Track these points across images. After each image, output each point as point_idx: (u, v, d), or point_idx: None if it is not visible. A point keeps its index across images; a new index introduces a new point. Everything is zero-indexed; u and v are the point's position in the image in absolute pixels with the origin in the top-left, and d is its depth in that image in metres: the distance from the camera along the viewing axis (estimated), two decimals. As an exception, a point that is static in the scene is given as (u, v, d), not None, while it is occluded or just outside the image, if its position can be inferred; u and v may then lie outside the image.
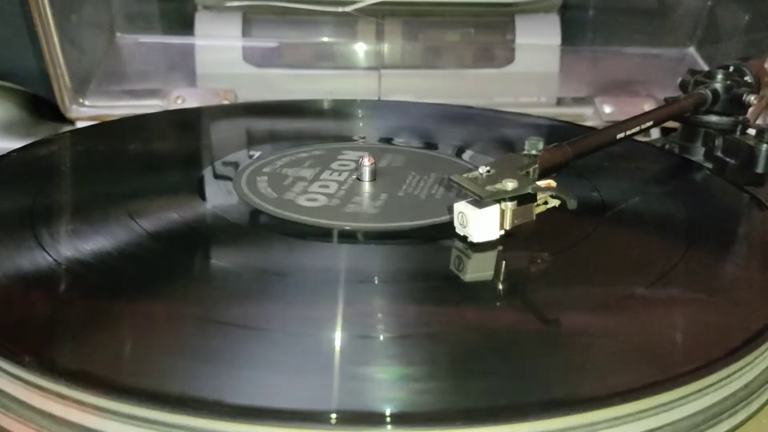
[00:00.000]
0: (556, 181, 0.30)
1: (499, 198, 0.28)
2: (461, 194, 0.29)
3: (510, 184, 0.28)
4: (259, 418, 0.20)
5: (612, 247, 0.31)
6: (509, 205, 0.28)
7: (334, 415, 0.20)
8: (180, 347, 0.23)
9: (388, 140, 0.46)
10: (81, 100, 0.56)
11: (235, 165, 0.39)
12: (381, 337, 0.24)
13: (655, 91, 0.64)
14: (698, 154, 0.47)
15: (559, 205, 0.30)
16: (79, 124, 0.57)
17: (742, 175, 0.44)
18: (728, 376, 0.23)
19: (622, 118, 0.59)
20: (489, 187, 0.28)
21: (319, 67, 0.68)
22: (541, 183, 0.30)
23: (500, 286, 0.28)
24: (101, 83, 0.59)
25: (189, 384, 0.21)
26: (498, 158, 0.31)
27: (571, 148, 0.34)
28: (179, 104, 0.56)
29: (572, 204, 0.28)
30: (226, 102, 0.57)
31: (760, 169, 0.43)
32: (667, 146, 0.48)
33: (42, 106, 0.67)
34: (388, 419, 0.20)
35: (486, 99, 0.62)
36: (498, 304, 0.27)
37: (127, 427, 0.21)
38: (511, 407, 0.21)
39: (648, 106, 0.60)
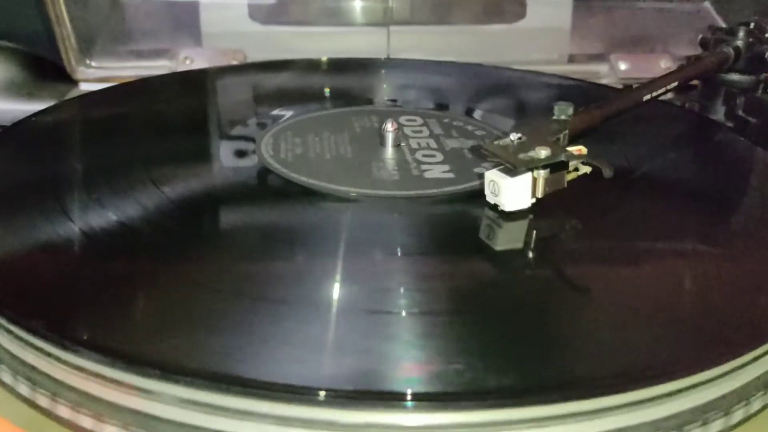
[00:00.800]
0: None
1: (532, 166, 0.28)
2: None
3: (543, 152, 0.28)
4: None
5: (644, 214, 0.31)
6: (542, 174, 0.28)
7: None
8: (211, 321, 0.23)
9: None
10: (88, 61, 0.55)
11: (261, 125, 0.38)
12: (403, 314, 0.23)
13: (671, 46, 0.62)
14: (719, 112, 0.46)
15: (590, 172, 0.29)
16: (84, 86, 0.56)
17: (764, 134, 0.43)
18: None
19: (637, 75, 0.59)
20: (522, 156, 0.28)
21: (326, 24, 0.66)
22: (572, 149, 0.29)
23: (530, 256, 0.28)
24: (107, 43, 0.57)
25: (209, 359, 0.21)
26: (527, 124, 0.30)
27: (598, 112, 0.33)
28: (187, 65, 0.55)
29: (608, 173, 0.27)
30: (235, 63, 0.55)
31: (783, 129, 0.43)
32: (686, 105, 0.47)
33: (44, 67, 0.66)
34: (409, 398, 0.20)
35: (497, 56, 0.61)
36: (528, 274, 0.27)
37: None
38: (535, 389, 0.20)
39: (664, 63, 0.59)
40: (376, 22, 0.66)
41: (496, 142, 0.29)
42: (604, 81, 0.59)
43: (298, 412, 0.20)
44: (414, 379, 0.20)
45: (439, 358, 0.21)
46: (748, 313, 0.24)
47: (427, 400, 0.20)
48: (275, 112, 0.41)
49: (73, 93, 0.57)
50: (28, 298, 0.24)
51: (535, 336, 0.23)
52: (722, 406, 0.22)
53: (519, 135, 0.29)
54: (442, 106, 0.44)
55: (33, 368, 0.23)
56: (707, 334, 0.23)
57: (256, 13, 0.63)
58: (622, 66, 0.59)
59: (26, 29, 0.61)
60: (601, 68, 0.60)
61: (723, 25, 0.63)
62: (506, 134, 0.29)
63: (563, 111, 0.31)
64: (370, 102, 0.45)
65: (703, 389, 0.22)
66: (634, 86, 0.39)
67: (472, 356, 0.21)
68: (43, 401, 0.23)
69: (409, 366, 0.21)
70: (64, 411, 0.22)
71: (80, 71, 0.55)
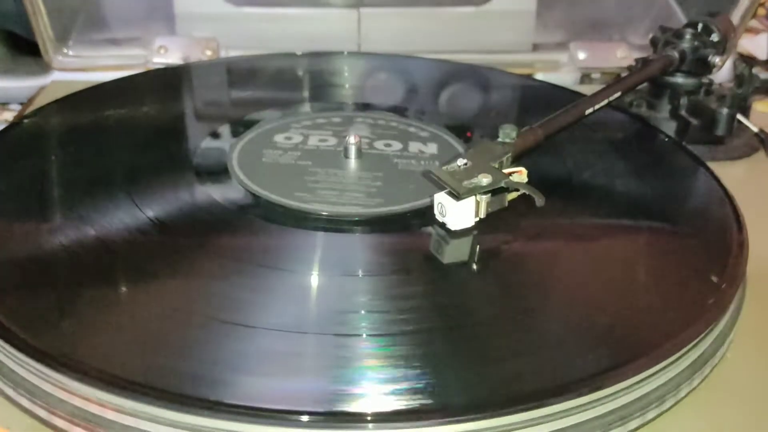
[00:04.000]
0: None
1: (474, 193, 0.31)
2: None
3: (485, 180, 0.31)
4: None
5: (580, 230, 0.34)
6: (484, 198, 0.31)
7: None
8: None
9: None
10: (65, 51, 0.57)
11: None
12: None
13: (628, 34, 0.65)
14: (664, 110, 0.49)
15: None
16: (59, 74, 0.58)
17: (704, 134, 0.47)
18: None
19: (595, 64, 0.62)
20: (466, 183, 0.31)
21: (298, 5, 0.68)
22: (514, 170, 0.33)
23: (474, 268, 0.31)
24: (83, 32, 0.59)
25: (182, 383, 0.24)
26: (474, 148, 0.34)
27: (542, 130, 0.36)
28: (162, 54, 0.57)
29: (540, 202, 0.31)
30: (209, 52, 0.57)
31: (720, 132, 0.46)
32: (634, 102, 0.50)
33: (18, 42, 0.67)
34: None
35: (464, 40, 0.64)
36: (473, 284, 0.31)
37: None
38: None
39: (620, 52, 0.62)
40: (348, 4, 0.67)
41: (444, 168, 0.32)
42: (564, 70, 0.62)
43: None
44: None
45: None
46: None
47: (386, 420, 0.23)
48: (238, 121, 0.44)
49: (50, 74, 0.59)
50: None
51: (479, 350, 0.26)
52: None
53: (465, 161, 0.32)
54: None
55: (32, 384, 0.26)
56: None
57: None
58: (581, 55, 0.62)
59: (1, 8, 0.62)
60: (561, 57, 0.62)
61: (679, 12, 0.66)
62: (454, 159, 0.32)
63: (507, 134, 0.34)
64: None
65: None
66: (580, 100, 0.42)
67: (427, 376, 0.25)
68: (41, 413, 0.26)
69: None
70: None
71: (57, 60, 0.57)
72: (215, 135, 0.42)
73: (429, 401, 0.24)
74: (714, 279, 0.30)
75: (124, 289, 0.29)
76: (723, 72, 0.58)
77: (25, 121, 0.42)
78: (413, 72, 0.54)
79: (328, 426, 0.24)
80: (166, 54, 0.57)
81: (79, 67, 0.56)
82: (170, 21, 0.63)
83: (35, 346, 0.25)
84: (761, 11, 0.83)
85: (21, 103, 0.65)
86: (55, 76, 0.59)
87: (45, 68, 0.61)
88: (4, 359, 0.27)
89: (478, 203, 0.31)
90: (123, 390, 0.24)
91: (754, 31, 0.80)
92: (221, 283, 0.29)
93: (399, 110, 0.46)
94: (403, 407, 0.24)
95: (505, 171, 0.32)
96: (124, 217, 0.33)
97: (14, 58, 0.68)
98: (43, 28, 0.55)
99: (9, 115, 0.64)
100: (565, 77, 0.61)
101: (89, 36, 0.59)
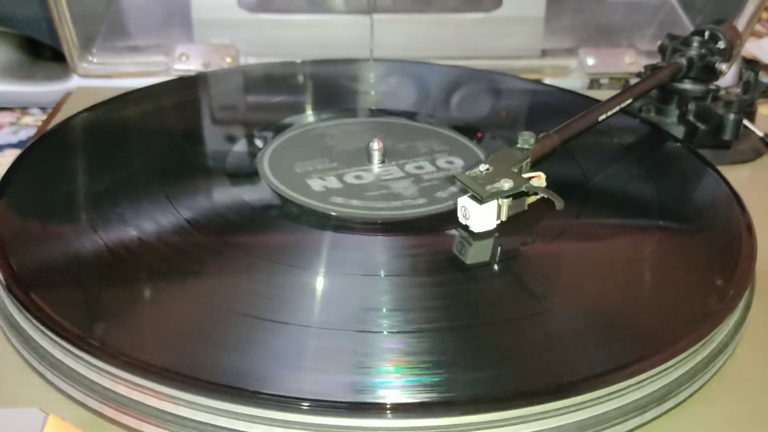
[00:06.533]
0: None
1: (496, 197, 0.32)
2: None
3: (506, 185, 0.33)
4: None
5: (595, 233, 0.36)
6: (505, 202, 0.33)
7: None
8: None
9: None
10: (90, 58, 0.59)
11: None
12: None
13: (636, 40, 0.67)
14: (672, 115, 0.51)
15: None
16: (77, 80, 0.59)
17: (711, 138, 0.49)
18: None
19: (604, 69, 0.64)
20: (488, 187, 0.33)
21: (312, 11, 0.70)
22: (533, 175, 0.34)
23: (495, 268, 0.33)
24: (106, 39, 0.61)
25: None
26: (495, 154, 0.35)
27: (558, 136, 0.38)
28: (183, 61, 0.59)
29: (559, 206, 0.32)
30: (228, 59, 0.59)
31: (727, 137, 0.48)
32: (644, 108, 0.52)
33: (39, 48, 0.69)
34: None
35: (475, 46, 0.65)
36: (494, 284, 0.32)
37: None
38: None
39: (628, 57, 0.64)
40: (360, 10, 0.69)
41: (467, 173, 0.33)
42: (572, 76, 0.63)
43: (305, 419, 0.25)
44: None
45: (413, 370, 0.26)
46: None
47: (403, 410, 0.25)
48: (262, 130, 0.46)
49: (69, 79, 0.60)
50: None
51: (500, 347, 0.28)
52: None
53: (487, 166, 0.33)
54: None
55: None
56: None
57: (245, 2, 0.67)
58: (590, 61, 0.63)
59: (23, 15, 0.64)
60: (571, 62, 0.64)
61: (685, 18, 0.68)
62: (477, 164, 0.34)
63: (526, 141, 0.36)
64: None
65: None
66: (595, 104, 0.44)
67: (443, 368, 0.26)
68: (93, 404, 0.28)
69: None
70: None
71: (82, 67, 0.58)
72: (251, 137, 0.44)
73: (446, 395, 0.26)
74: (719, 283, 0.31)
75: (166, 286, 0.31)
76: (728, 77, 0.60)
77: (74, 119, 0.44)
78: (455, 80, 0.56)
79: (351, 415, 0.25)
80: (188, 61, 0.59)
81: (103, 73, 0.58)
82: (188, 28, 0.64)
83: (92, 343, 0.27)
84: (764, 15, 0.85)
85: (41, 108, 0.66)
86: (74, 81, 0.61)
87: (64, 74, 0.63)
88: (60, 355, 0.28)
89: (499, 207, 0.33)
90: (167, 379, 0.26)
91: (758, 35, 0.82)
92: (263, 281, 0.31)
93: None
94: (422, 400, 0.25)
95: (525, 176, 0.34)
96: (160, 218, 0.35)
97: (33, 63, 0.69)
98: (69, 36, 0.57)
99: (29, 120, 0.65)
100: (574, 82, 0.63)
101: (112, 43, 0.61)
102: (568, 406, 0.26)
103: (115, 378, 0.27)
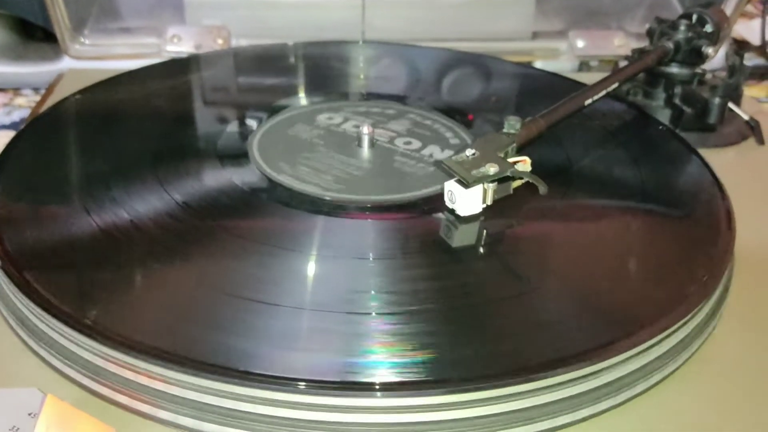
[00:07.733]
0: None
1: (482, 181, 0.33)
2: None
3: (492, 169, 0.33)
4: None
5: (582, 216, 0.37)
6: (491, 186, 0.34)
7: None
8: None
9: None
10: (81, 39, 0.59)
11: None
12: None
13: (626, 22, 0.67)
14: (659, 99, 0.52)
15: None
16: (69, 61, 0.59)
17: (697, 122, 0.49)
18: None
19: (593, 52, 0.64)
20: (474, 171, 0.33)
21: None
22: (518, 160, 0.35)
23: (481, 251, 0.34)
24: (98, 20, 0.61)
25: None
26: (481, 138, 0.36)
27: (543, 121, 0.38)
28: (175, 42, 0.59)
29: (542, 191, 0.33)
30: (220, 41, 0.59)
31: (712, 120, 0.48)
32: (631, 91, 0.52)
33: (31, 28, 0.69)
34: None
35: (466, 29, 0.65)
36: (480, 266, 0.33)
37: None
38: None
39: (618, 40, 0.64)
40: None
41: (454, 158, 0.34)
42: (562, 58, 0.64)
43: (297, 398, 0.26)
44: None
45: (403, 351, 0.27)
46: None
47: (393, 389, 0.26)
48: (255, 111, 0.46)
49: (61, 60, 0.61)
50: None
51: (485, 327, 0.29)
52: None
53: (473, 151, 0.34)
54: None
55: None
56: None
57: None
58: (579, 43, 0.64)
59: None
60: (561, 45, 0.64)
61: (675, 2, 0.68)
62: (463, 149, 0.35)
63: (512, 126, 0.36)
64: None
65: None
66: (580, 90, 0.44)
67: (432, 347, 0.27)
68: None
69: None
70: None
71: (74, 49, 0.58)
72: (242, 120, 0.44)
73: (433, 374, 0.26)
74: (698, 265, 0.32)
75: (158, 267, 0.32)
76: (717, 59, 0.60)
77: (67, 101, 0.44)
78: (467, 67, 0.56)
79: (340, 394, 0.26)
80: (180, 43, 0.59)
81: (95, 55, 0.58)
82: (179, 9, 0.64)
83: (85, 323, 0.28)
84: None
85: (34, 89, 0.67)
86: (66, 62, 0.61)
87: (56, 54, 0.63)
88: (56, 336, 0.29)
89: (485, 191, 0.34)
90: (157, 359, 0.27)
91: (749, 16, 0.82)
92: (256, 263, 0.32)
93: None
94: (409, 379, 0.26)
95: (510, 160, 0.35)
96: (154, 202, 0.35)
97: (25, 44, 0.70)
98: (61, 17, 0.57)
99: (22, 101, 0.66)
100: (563, 65, 0.64)
101: (104, 25, 0.61)
102: (552, 385, 0.27)
103: (109, 357, 0.27)
